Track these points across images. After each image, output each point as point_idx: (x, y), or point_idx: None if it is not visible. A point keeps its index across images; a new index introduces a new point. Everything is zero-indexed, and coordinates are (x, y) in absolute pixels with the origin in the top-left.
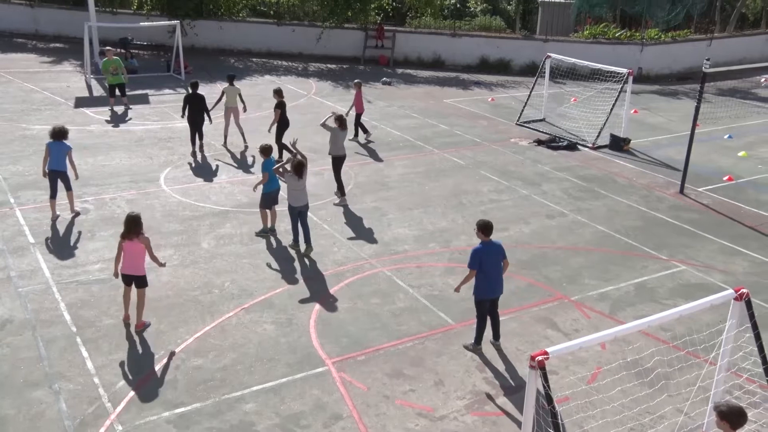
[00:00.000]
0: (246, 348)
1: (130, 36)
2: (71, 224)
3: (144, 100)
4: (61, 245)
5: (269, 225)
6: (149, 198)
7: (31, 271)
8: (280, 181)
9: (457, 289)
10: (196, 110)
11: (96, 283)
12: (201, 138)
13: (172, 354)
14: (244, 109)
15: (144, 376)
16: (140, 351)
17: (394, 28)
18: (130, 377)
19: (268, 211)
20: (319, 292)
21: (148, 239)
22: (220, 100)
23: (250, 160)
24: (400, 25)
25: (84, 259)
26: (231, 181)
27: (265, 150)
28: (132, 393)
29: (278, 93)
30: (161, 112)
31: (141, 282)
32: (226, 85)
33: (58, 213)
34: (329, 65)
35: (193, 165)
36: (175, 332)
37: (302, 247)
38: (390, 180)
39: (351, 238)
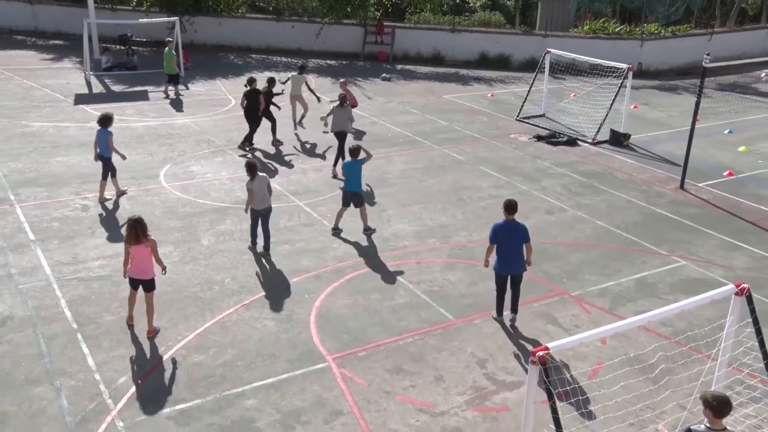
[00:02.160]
0: (246, 344)
1: (129, 32)
2: (71, 221)
3: (143, 96)
4: (61, 242)
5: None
6: (149, 195)
7: (32, 268)
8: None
9: (485, 264)
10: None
11: (96, 280)
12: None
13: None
14: (318, 99)
15: (145, 373)
16: (141, 347)
17: (393, 24)
18: (131, 374)
19: (344, 208)
20: (319, 288)
21: (154, 241)
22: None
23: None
24: (399, 21)
25: (84, 255)
26: (231, 177)
27: (353, 151)
28: (133, 389)
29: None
30: (161, 109)
31: (149, 285)
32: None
33: (107, 196)
34: (329, 61)
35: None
36: (176, 329)
37: (260, 249)
38: (390, 176)
39: (351, 234)
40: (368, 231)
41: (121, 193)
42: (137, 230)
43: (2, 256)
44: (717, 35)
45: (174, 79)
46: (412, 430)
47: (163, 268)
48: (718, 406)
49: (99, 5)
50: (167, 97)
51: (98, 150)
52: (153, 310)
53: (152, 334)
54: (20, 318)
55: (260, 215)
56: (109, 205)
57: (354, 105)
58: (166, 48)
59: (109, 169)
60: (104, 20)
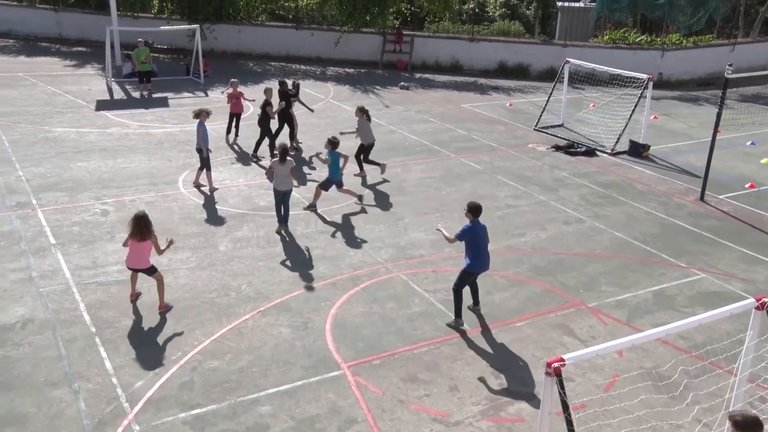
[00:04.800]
0: (262, 351)
1: (150, 40)
2: (91, 226)
3: (163, 103)
4: (81, 246)
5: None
6: (168, 200)
7: (52, 271)
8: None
9: (438, 228)
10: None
11: (115, 284)
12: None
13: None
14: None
15: (161, 377)
16: (158, 352)
17: (412, 33)
18: (148, 378)
19: (323, 191)
20: (335, 295)
21: (156, 237)
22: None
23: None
24: (418, 30)
25: (103, 260)
26: (249, 184)
27: (336, 143)
28: (149, 394)
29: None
30: (180, 115)
31: (149, 272)
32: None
33: (202, 183)
34: (347, 69)
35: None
36: (192, 334)
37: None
38: (407, 184)
39: (367, 242)
40: (311, 208)
41: (213, 190)
42: (142, 227)
43: (24, 260)
44: (740, 45)
45: (142, 76)
46: None
47: (163, 251)
48: (748, 428)
49: (121, 13)
50: (143, 96)
51: (197, 144)
52: (163, 288)
53: (163, 309)
54: (40, 321)
55: (281, 195)
56: (128, 210)
57: (239, 111)
58: (138, 48)
59: (207, 161)
60: (126, 27)
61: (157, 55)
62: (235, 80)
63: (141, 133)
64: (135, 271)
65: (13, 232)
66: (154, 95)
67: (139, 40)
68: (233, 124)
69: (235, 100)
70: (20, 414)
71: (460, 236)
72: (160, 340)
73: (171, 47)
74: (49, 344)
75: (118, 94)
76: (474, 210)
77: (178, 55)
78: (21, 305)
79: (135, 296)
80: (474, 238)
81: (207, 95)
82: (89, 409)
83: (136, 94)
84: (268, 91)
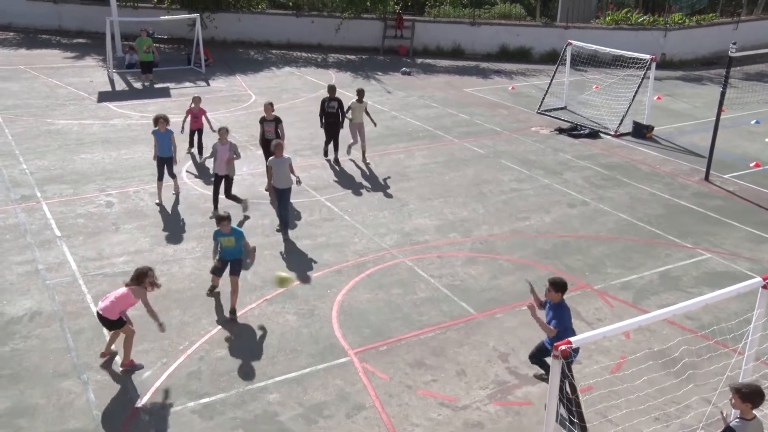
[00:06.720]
0: (269, 339)
1: (151, 30)
2: (96, 218)
3: (165, 93)
4: (86, 238)
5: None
6: (171, 191)
7: (58, 263)
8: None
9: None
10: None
11: (121, 276)
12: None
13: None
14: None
15: (169, 367)
16: (165, 342)
17: (413, 18)
18: (156, 368)
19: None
20: (341, 282)
21: (143, 293)
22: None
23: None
24: (419, 15)
25: (109, 251)
26: (252, 173)
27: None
28: (158, 384)
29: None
30: (182, 106)
31: (112, 325)
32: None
33: (159, 199)
34: (348, 56)
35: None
36: (199, 323)
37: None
38: (410, 170)
39: (372, 229)
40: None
41: (159, 201)
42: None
43: (30, 252)
44: (743, 23)
45: (144, 66)
46: (434, 425)
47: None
48: (758, 399)
49: (121, 3)
50: (145, 87)
51: (167, 152)
52: (130, 345)
53: (126, 367)
54: (48, 313)
55: (280, 193)
56: (132, 201)
57: (199, 127)
58: (140, 37)
59: (162, 170)
60: (126, 18)
61: (158, 45)
62: (198, 96)
63: (143, 123)
64: (102, 319)
65: (19, 225)
66: (156, 85)
67: (142, 29)
68: (195, 139)
69: (194, 118)
70: (30, 405)
71: (560, 325)
72: (167, 329)
73: (171, 37)
74: (57, 336)
75: (120, 85)
76: (564, 287)
77: (179, 44)
78: (28, 298)
79: (107, 353)
80: (566, 319)
81: (209, 84)
82: (98, 399)
83: (137, 85)
84: (331, 89)
